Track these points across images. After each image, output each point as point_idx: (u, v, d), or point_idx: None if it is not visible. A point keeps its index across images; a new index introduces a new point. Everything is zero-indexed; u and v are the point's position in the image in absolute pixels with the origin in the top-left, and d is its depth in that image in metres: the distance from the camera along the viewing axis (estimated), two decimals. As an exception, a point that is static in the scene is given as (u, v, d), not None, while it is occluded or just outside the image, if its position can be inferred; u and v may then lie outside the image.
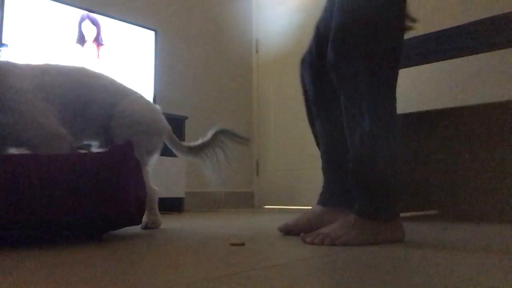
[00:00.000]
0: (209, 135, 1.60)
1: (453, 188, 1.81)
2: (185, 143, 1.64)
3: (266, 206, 3.46)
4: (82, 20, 2.39)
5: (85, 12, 2.41)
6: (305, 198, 3.18)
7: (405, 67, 1.94)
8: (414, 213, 2.03)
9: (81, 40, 2.39)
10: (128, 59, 2.59)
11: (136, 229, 1.43)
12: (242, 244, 0.99)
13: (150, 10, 2.99)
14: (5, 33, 2.05)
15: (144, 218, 1.44)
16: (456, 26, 1.67)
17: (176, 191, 2.57)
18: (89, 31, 2.43)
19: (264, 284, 0.58)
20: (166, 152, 2.67)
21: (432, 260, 0.77)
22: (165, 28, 3.05)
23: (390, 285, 0.57)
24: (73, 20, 2.35)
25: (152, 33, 2.72)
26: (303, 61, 1.37)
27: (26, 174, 0.99)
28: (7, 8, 2.10)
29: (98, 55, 2.45)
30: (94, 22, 2.45)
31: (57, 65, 1.36)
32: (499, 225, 1.50)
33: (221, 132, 1.59)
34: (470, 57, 1.92)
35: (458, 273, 0.65)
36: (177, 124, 2.69)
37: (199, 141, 1.61)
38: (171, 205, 2.67)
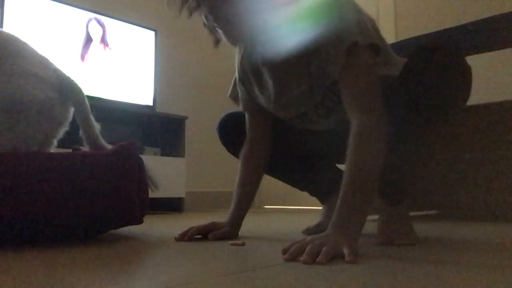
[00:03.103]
0: None
1: (453, 188, 1.81)
2: None
3: (266, 206, 3.46)
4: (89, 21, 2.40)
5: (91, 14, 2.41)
6: (305, 198, 3.17)
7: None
8: (414, 213, 2.03)
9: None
10: (128, 59, 2.59)
11: (136, 229, 1.43)
12: (242, 244, 0.99)
13: (150, 10, 2.99)
14: (5, 33, 2.05)
15: None
16: (457, 26, 1.67)
17: (176, 191, 2.57)
18: (95, 32, 2.43)
19: (264, 284, 0.58)
20: (166, 152, 2.69)
21: (432, 260, 0.77)
22: (165, 28, 3.05)
23: (390, 285, 0.57)
24: (72, 19, 2.35)
25: (152, 33, 2.73)
26: None
27: (26, 173, 0.99)
28: (7, 8, 2.10)
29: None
30: (100, 23, 2.45)
31: None
32: (499, 224, 1.50)
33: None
34: (470, 57, 1.92)
35: (458, 273, 0.65)
36: (177, 124, 2.69)
37: None
38: (171, 205, 2.67)
